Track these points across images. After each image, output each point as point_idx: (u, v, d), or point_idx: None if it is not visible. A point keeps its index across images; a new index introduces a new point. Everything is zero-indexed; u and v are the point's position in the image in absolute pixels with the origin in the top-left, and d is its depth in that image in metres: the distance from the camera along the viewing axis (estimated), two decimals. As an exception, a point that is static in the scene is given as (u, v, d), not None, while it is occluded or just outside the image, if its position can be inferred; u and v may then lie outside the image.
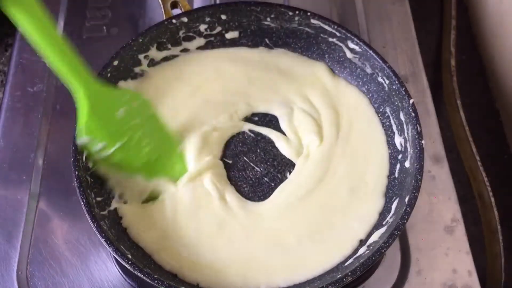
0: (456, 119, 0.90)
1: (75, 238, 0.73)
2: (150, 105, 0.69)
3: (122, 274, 0.70)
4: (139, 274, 0.59)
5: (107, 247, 0.60)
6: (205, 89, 0.77)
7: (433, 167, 0.79)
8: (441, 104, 0.93)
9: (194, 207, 0.68)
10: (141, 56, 0.76)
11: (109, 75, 0.72)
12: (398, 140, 0.72)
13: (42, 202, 0.75)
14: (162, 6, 0.79)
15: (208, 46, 0.80)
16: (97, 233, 0.61)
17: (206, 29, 0.79)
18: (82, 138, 0.62)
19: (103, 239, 0.60)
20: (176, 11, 0.80)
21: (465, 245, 0.74)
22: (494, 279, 0.78)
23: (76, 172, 0.64)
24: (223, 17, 0.78)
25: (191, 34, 0.79)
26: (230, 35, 0.80)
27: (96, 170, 0.67)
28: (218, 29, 0.79)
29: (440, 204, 0.76)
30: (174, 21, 0.76)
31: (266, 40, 0.80)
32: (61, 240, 0.73)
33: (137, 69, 0.77)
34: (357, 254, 0.65)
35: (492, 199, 0.81)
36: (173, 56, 0.79)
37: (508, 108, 0.94)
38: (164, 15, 0.78)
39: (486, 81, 0.99)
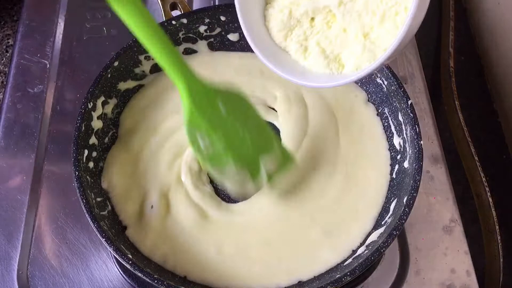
0: (454, 119, 0.90)
1: (75, 238, 0.73)
2: (247, 99, 0.65)
3: (122, 274, 0.70)
4: (139, 274, 0.59)
5: (108, 247, 0.60)
6: None
7: (431, 167, 0.79)
8: (440, 105, 0.93)
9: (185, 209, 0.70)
10: (141, 57, 0.76)
11: (109, 75, 0.72)
12: (397, 141, 0.72)
13: (42, 202, 0.75)
14: (161, 7, 0.79)
15: (209, 47, 0.81)
16: (97, 233, 0.61)
17: (205, 30, 0.79)
18: (187, 131, 0.61)
19: (104, 239, 0.61)
20: (176, 13, 0.80)
21: (463, 245, 0.74)
22: (492, 279, 0.78)
23: (77, 173, 0.65)
24: (223, 18, 0.78)
25: (190, 35, 0.79)
26: (231, 37, 0.80)
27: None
28: (218, 30, 0.80)
29: (438, 204, 0.77)
30: (173, 22, 0.76)
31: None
32: (62, 240, 0.73)
33: (137, 70, 0.77)
34: (356, 254, 0.66)
35: (491, 199, 0.82)
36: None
37: (506, 109, 0.94)
38: (164, 17, 0.79)
39: (484, 82, 0.99)
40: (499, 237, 0.79)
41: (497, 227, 0.80)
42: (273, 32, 0.62)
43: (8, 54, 0.93)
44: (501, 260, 0.78)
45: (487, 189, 0.82)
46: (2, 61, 0.93)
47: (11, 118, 0.82)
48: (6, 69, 0.89)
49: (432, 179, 0.78)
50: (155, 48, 0.57)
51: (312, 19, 0.60)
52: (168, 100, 0.77)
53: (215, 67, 0.80)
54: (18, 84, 0.85)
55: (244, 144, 0.63)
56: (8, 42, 0.94)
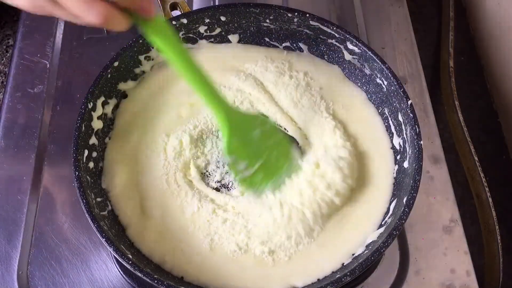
0: (454, 120, 0.90)
1: (75, 238, 0.73)
2: (278, 128, 0.74)
3: (122, 274, 0.70)
4: (139, 274, 0.59)
5: (108, 247, 0.61)
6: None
7: (431, 167, 0.79)
8: (440, 105, 0.93)
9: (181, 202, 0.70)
10: (141, 57, 0.76)
11: (109, 76, 0.72)
12: (397, 141, 0.72)
13: (42, 202, 0.76)
14: (161, 7, 0.80)
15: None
16: (97, 233, 0.61)
17: (205, 30, 0.79)
18: (227, 157, 0.69)
19: (104, 239, 0.61)
20: (176, 13, 0.80)
21: (463, 245, 0.74)
22: (492, 279, 0.78)
23: (77, 173, 0.65)
24: (223, 18, 0.78)
25: (191, 35, 0.79)
26: (231, 37, 0.80)
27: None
28: (218, 30, 0.80)
29: (438, 205, 0.77)
30: (173, 22, 0.76)
31: (266, 40, 0.81)
32: (62, 240, 0.73)
33: (137, 70, 0.77)
34: (356, 254, 0.66)
35: (490, 199, 0.82)
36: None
37: (506, 109, 0.94)
38: (163, 17, 0.79)
39: (484, 82, 1.00)
40: (498, 237, 0.79)
41: (496, 227, 0.80)
42: None
43: (8, 54, 0.93)
44: (501, 260, 0.78)
45: (487, 189, 0.83)
46: (2, 61, 0.93)
47: (11, 118, 0.82)
48: (6, 69, 0.89)
49: (432, 179, 0.78)
50: (195, 82, 0.61)
51: None
52: (165, 96, 0.77)
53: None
54: (18, 84, 0.85)
55: (273, 162, 0.70)
56: (8, 42, 0.94)
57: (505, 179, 0.90)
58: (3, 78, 0.90)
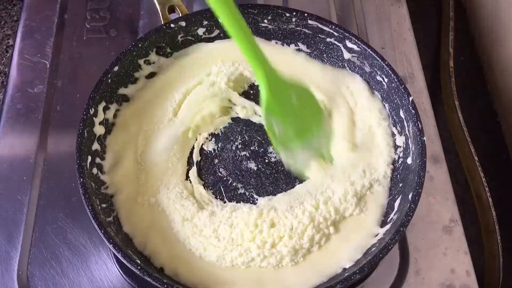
0: (454, 120, 0.90)
1: (75, 238, 0.73)
2: (311, 92, 0.73)
3: (122, 274, 0.70)
4: (149, 279, 0.59)
5: (116, 253, 0.60)
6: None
7: (431, 167, 0.79)
8: (440, 105, 0.93)
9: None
10: (141, 61, 0.76)
11: (109, 80, 0.72)
12: (399, 138, 0.72)
13: (42, 202, 0.75)
14: (159, 11, 0.79)
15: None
16: (105, 240, 0.61)
17: (204, 33, 0.79)
18: (265, 118, 0.69)
19: (111, 245, 0.60)
20: (174, 16, 0.80)
21: (463, 245, 0.74)
22: (492, 279, 0.78)
23: (81, 179, 0.64)
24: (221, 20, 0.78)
25: (189, 37, 0.79)
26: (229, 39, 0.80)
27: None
28: (216, 32, 0.80)
29: (438, 205, 0.77)
30: (172, 25, 0.76)
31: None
32: (62, 240, 0.73)
33: (137, 74, 0.77)
34: (364, 252, 0.66)
35: (490, 200, 0.82)
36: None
37: (506, 109, 0.94)
38: (162, 20, 0.79)
39: (484, 83, 1.00)
40: (498, 237, 0.79)
41: (496, 227, 0.80)
42: None
43: (8, 54, 0.93)
44: (501, 260, 0.78)
45: (486, 189, 0.83)
46: (2, 61, 0.93)
47: (11, 118, 0.82)
48: (6, 69, 0.89)
49: (432, 179, 0.78)
50: (241, 42, 0.64)
51: None
52: (164, 101, 0.77)
53: None
54: (18, 84, 0.85)
55: (308, 129, 0.73)
56: (8, 42, 0.95)
57: (505, 179, 0.90)
58: (3, 78, 0.90)
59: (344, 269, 0.65)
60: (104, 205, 0.67)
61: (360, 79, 0.77)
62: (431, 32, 1.02)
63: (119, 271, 0.71)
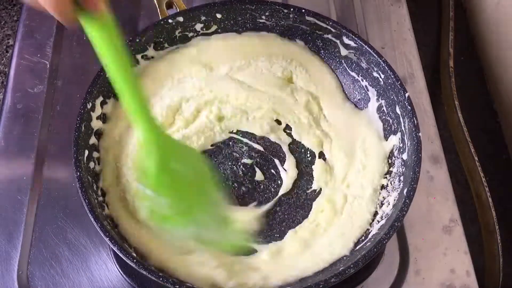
0: (454, 120, 0.90)
1: (75, 238, 0.73)
2: (205, 163, 0.65)
3: (123, 274, 0.70)
4: (144, 272, 0.59)
5: (112, 246, 0.60)
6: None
7: (431, 167, 0.79)
8: (439, 105, 0.93)
9: None
10: (138, 56, 0.76)
11: (107, 75, 0.72)
12: (395, 134, 0.72)
13: (42, 202, 0.75)
14: (157, 6, 0.79)
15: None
16: (101, 232, 0.61)
17: (202, 28, 0.79)
18: (146, 189, 0.58)
19: (107, 239, 0.60)
20: (172, 11, 0.80)
21: (463, 245, 0.74)
22: (492, 279, 0.78)
23: (78, 173, 0.64)
24: (218, 15, 0.78)
25: (187, 33, 0.79)
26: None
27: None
28: (214, 27, 0.80)
29: (438, 205, 0.77)
30: (170, 20, 0.76)
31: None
32: (62, 240, 0.73)
33: (134, 69, 0.77)
34: (358, 247, 0.66)
35: (490, 200, 0.82)
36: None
37: (506, 109, 0.94)
38: (159, 15, 0.79)
39: (484, 82, 0.99)
40: (499, 237, 0.79)
41: (496, 227, 0.80)
42: None
43: (8, 54, 0.93)
44: (501, 260, 0.78)
45: (487, 189, 0.83)
46: (2, 61, 0.93)
47: (11, 118, 0.82)
48: (6, 69, 0.89)
49: (432, 179, 0.78)
50: (125, 90, 0.53)
51: None
52: (160, 97, 0.77)
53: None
54: (18, 84, 0.85)
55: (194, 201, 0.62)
56: (8, 42, 0.94)
57: (505, 179, 0.90)
58: (3, 78, 0.90)
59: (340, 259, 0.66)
60: (101, 199, 0.68)
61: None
62: (431, 32, 1.02)
63: (119, 271, 0.71)
